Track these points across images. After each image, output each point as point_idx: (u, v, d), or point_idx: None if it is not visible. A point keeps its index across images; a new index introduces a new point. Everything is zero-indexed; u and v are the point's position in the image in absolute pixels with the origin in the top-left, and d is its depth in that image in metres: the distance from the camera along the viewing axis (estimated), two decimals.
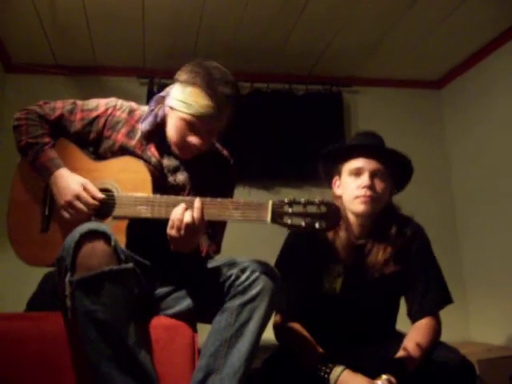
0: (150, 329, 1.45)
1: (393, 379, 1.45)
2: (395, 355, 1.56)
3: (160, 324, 1.48)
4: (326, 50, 3.18)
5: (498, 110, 3.07)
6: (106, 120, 1.62)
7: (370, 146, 1.69)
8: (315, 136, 3.36)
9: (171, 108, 1.55)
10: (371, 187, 1.63)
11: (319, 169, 1.84)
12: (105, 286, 1.26)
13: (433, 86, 3.68)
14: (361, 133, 1.86)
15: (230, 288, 1.42)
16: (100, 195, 1.50)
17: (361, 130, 1.93)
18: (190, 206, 1.39)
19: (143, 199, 1.47)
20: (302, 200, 1.35)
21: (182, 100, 1.51)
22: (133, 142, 1.61)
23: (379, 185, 1.65)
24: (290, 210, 1.34)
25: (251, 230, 2.98)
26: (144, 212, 1.45)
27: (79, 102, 1.66)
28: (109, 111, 1.63)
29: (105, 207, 1.50)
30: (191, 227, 1.37)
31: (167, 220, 1.40)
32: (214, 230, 1.64)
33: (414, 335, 1.61)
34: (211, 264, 1.53)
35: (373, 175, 1.65)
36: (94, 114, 1.63)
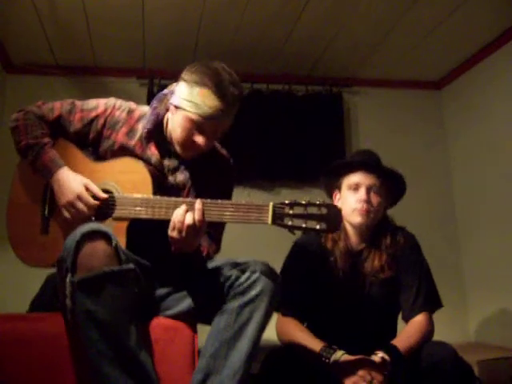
0: (150, 329, 1.45)
1: (386, 357, 1.57)
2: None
3: (160, 325, 1.48)
4: (326, 50, 3.17)
5: (498, 110, 3.07)
6: (106, 120, 1.62)
7: (367, 163, 1.84)
8: (315, 137, 3.36)
9: (176, 107, 1.54)
10: (368, 201, 1.78)
11: (321, 183, 2.01)
12: (106, 286, 1.26)
13: (433, 86, 3.68)
14: (359, 151, 2.07)
15: (230, 289, 1.42)
16: (103, 195, 1.50)
17: (359, 149, 2.14)
18: (191, 208, 1.39)
19: (143, 200, 1.47)
20: (303, 201, 1.35)
21: (190, 100, 1.50)
22: (132, 142, 1.61)
23: (375, 199, 1.81)
24: (290, 212, 1.34)
25: (251, 231, 2.99)
26: (144, 213, 1.45)
27: (78, 102, 1.66)
28: (108, 111, 1.63)
29: (105, 208, 1.50)
30: (192, 228, 1.37)
31: (167, 221, 1.40)
32: (213, 229, 1.64)
33: (405, 330, 1.76)
34: (211, 264, 1.53)
35: (369, 190, 1.80)
36: (93, 113, 1.62)
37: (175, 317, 1.50)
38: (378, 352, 1.59)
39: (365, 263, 1.82)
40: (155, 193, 1.49)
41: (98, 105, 1.64)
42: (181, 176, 1.62)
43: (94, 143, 1.62)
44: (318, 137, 3.36)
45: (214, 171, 1.67)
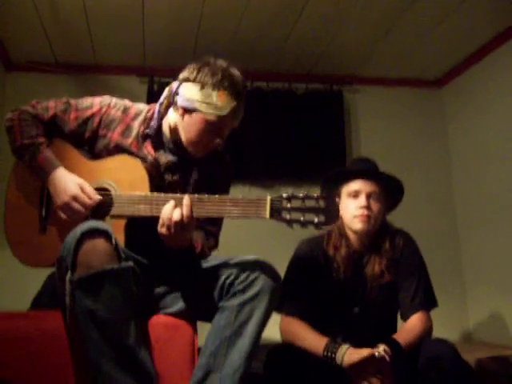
0: (149, 328, 1.45)
1: (388, 349, 1.60)
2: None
3: (160, 323, 1.48)
4: (327, 48, 3.17)
5: (499, 108, 3.07)
6: (101, 118, 1.61)
7: (366, 171, 1.88)
8: (315, 135, 3.36)
9: (188, 110, 1.53)
10: (368, 207, 1.82)
11: (321, 191, 2.01)
12: (105, 284, 1.26)
13: (433, 84, 3.67)
14: (357, 159, 2.15)
15: (230, 287, 1.42)
16: (97, 197, 1.49)
17: (358, 157, 2.22)
18: (179, 204, 1.39)
19: (140, 198, 1.46)
20: (301, 195, 1.35)
21: (204, 101, 1.49)
22: (129, 140, 1.60)
23: (375, 205, 1.84)
24: (288, 206, 1.34)
25: (251, 228, 2.99)
26: (141, 210, 1.45)
27: (73, 101, 1.63)
28: (103, 110, 1.62)
29: (102, 206, 1.50)
30: (180, 224, 1.37)
31: None
32: (211, 225, 1.64)
33: (404, 326, 1.80)
34: (211, 262, 1.53)
35: (369, 196, 1.83)
36: (89, 112, 1.61)
37: (175, 315, 1.50)
38: (379, 345, 1.62)
39: (365, 268, 1.86)
40: (152, 190, 1.49)
41: (93, 103, 1.63)
42: (178, 173, 1.61)
43: (90, 142, 1.61)
44: (319, 135, 3.36)
45: (211, 168, 1.67)
